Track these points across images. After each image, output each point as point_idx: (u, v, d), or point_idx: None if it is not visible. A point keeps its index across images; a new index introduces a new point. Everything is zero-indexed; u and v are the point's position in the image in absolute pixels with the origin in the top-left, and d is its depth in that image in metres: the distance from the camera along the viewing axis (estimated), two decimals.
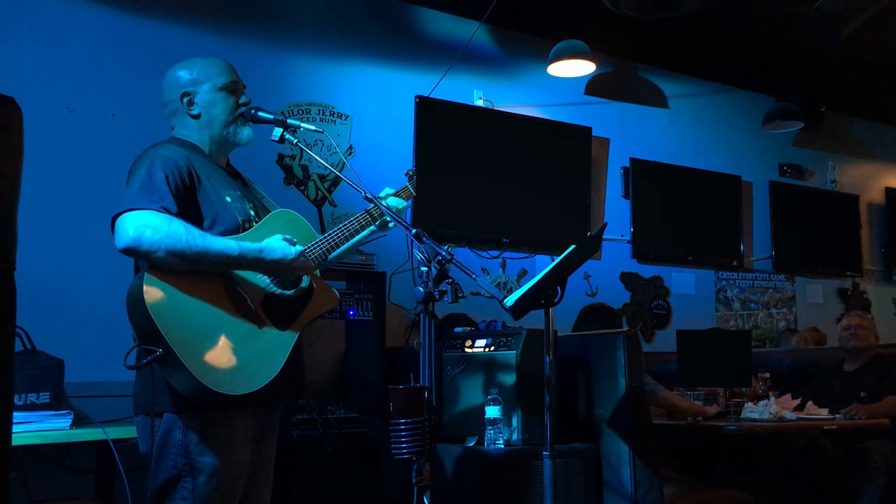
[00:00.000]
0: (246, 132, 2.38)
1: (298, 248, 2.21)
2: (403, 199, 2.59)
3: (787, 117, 6.16)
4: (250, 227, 2.26)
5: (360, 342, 4.16)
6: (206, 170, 2.27)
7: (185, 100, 2.34)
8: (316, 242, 2.31)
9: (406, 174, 2.75)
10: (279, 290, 2.22)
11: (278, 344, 2.17)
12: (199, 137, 2.35)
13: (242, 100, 2.39)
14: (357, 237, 2.46)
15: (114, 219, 2.09)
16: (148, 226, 2.03)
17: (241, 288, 2.16)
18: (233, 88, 2.37)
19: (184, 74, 2.36)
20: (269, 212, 2.39)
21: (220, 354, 2.05)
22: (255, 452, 2.26)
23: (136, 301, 2.02)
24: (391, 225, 2.49)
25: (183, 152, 2.25)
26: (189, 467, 2.09)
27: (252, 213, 2.31)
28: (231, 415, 2.15)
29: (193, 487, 2.09)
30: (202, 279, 2.10)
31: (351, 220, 2.43)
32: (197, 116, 2.34)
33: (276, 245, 2.18)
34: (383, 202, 2.42)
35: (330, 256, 2.38)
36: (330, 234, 2.35)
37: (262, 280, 2.21)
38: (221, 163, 2.41)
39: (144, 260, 2.06)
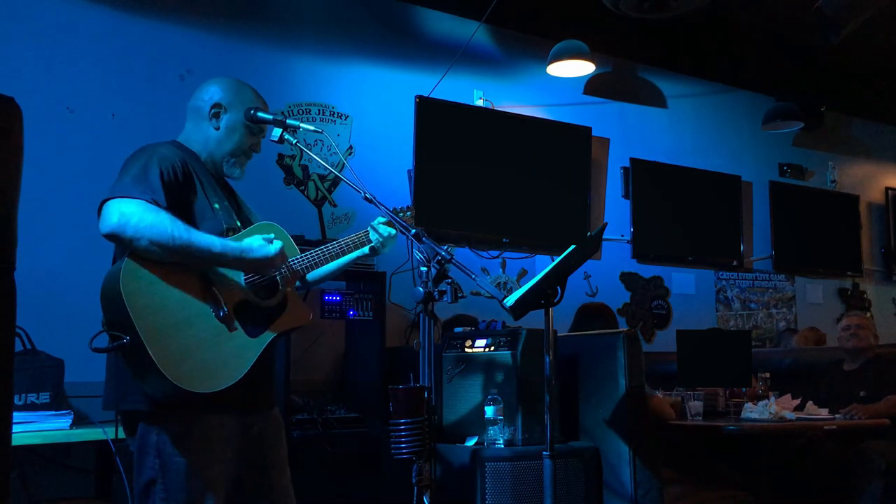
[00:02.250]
0: (239, 171, 2.41)
1: (278, 243, 2.21)
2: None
3: (787, 117, 6.16)
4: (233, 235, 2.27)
5: (360, 342, 4.16)
6: (200, 174, 2.30)
7: (214, 111, 2.36)
8: (295, 260, 2.32)
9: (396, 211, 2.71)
10: (254, 299, 2.23)
11: (245, 350, 2.16)
12: (203, 147, 2.37)
13: (256, 149, 2.42)
14: (341, 259, 2.46)
15: (101, 204, 2.09)
16: (134, 213, 2.03)
17: (217, 289, 2.16)
18: (259, 129, 2.41)
19: (229, 89, 2.39)
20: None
21: (188, 349, 2.04)
22: (250, 450, 2.25)
23: (111, 285, 2.02)
24: (385, 250, 2.50)
25: (180, 154, 2.27)
26: (164, 468, 2.10)
27: (238, 223, 2.33)
28: (204, 415, 2.14)
29: (171, 488, 2.09)
30: (181, 275, 2.10)
31: (338, 242, 2.43)
32: (217, 129, 2.37)
33: (257, 244, 2.19)
34: (378, 226, 2.45)
35: (310, 276, 2.39)
36: (312, 253, 2.35)
37: (239, 285, 2.21)
38: (215, 172, 2.42)
39: (127, 247, 2.06)
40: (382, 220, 2.51)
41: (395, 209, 2.58)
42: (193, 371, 2.03)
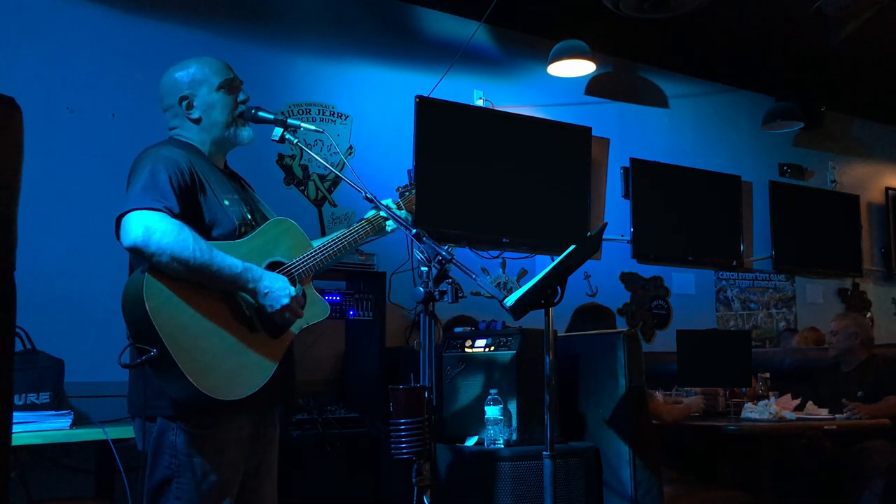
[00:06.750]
0: (246, 132, 2.38)
1: (293, 290, 2.18)
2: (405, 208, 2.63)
3: (787, 117, 6.16)
4: (247, 230, 2.26)
5: (360, 342, 4.16)
6: (205, 172, 2.27)
7: (184, 103, 2.33)
8: (310, 254, 2.33)
9: (397, 189, 2.76)
10: None
11: (269, 351, 2.18)
12: (200, 139, 2.35)
13: (241, 97, 2.38)
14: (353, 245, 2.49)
15: (119, 219, 2.09)
16: (157, 229, 2.03)
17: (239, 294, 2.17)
18: (230, 86, 2.36)
19: (181, 77, 2.35)
20: (265, 216, 2.40)
21: (215, 359, 2.06)
22: (253, 452, 2.26)
23: (135, 301, 2.02)
24: (389, 230, 2.54)
25: (183, 154, 2.24)
26: (182, 469, 2.10)
27: (249, 216, 2.32)
28: (223, 417, 2.15)
29: (186, 488, 2.10)
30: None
31: (348, 231, 2.46)
32: (197, 120, 2.34)
33: (277, 286, 2.16)
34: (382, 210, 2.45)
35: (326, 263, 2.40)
36: (325, 248, 2.37)
37: None
38: (219, 164, 2.41)
39: (147, 261, 2.06)
40: (390, 202, 2.54)
41: (397, 188, 2.60)
42: (222, 380, 2.05)
